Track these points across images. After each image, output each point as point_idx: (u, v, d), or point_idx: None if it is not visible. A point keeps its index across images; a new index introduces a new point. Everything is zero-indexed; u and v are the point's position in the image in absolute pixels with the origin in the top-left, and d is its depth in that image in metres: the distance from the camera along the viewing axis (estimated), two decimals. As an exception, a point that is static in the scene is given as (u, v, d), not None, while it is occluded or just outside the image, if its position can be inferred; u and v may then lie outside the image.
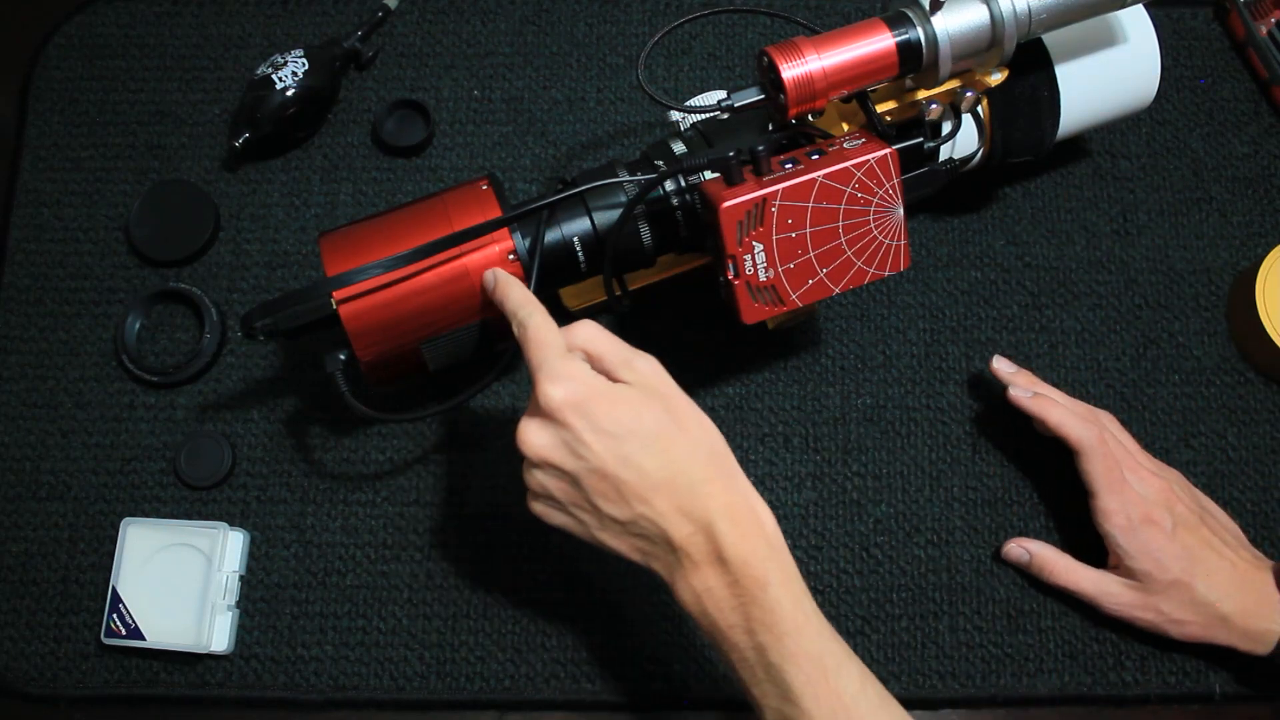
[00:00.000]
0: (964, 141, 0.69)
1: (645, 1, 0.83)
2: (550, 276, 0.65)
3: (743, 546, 0.53)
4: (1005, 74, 0.64)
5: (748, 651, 0.53)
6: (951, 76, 0.63)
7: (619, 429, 0.53)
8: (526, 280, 0.63)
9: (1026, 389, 0.70)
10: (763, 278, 0.60)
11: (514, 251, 0.63)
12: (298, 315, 0.61)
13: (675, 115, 0.70)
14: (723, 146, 0.64)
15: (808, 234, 0.60)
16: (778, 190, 0.58)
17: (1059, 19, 0.62)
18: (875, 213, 0.60)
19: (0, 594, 0.72)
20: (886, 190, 0.60)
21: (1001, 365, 0.72)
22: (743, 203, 0.58)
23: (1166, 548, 0.65)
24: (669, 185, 0.65)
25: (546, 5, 0.83)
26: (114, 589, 0.69)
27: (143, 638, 0.69)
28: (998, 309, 0.77)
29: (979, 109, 0.68)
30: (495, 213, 0.63)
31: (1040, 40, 0.68)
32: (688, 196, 0.65)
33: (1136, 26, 0.69)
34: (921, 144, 0.65)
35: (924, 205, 0.78)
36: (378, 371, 0.64)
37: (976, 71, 0.64)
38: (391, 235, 0.63)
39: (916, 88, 0.64)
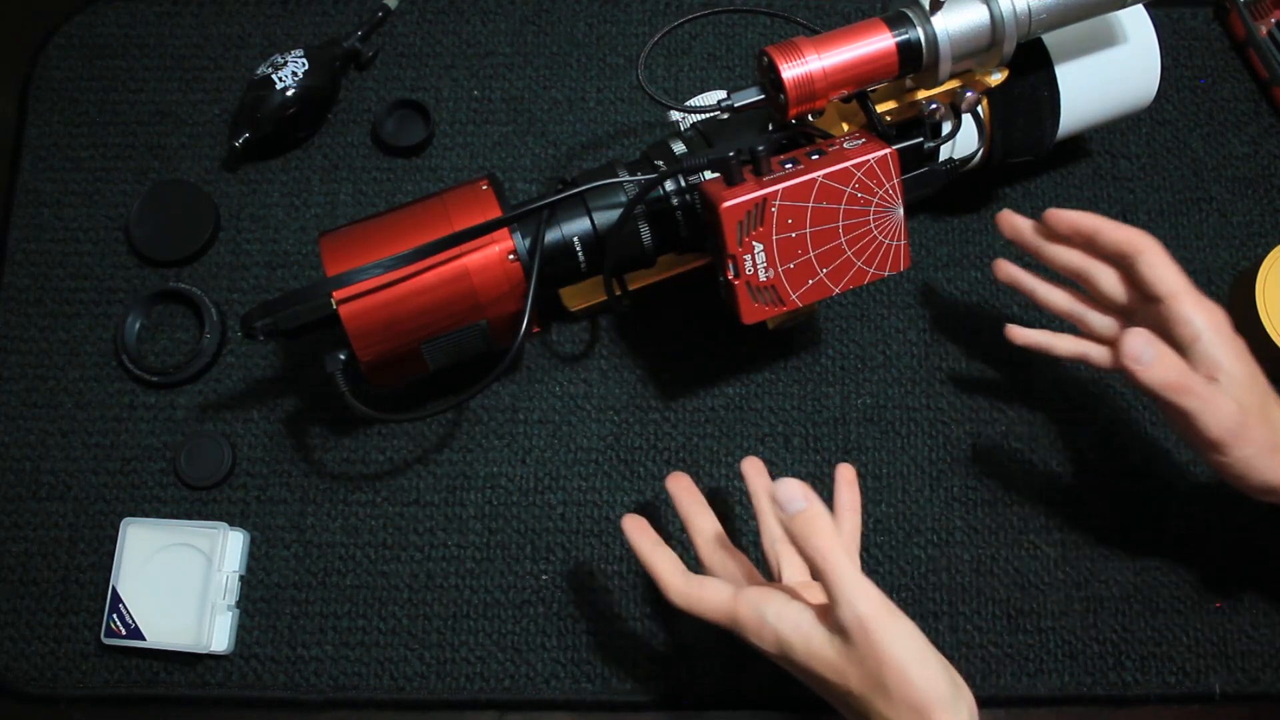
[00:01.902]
0: (964, 141, 0.69)
1: (645, 1, 0.83)
2: (550, 276, 0.65)
3: None
4: (1005, 74, 0.64)
5: None
6: (951, 76, 0.63)
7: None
8: (526, 280, 0.63)
9: (1030, 330, 0.65)
10: (763, 278, 0.60)
11: (514, 252, 0.63)
12: (298, 315, 0.61)
13: (675, 115, 0.70)
14: (723, 146, 0.64)
15: (808, 234, 0.60)
16: (778, 190, 0.58)
17: (1059, 19, 0.62)
18: (875, 213, 0.60)
19: (0, 594, 0.72)
20: (886, 190, 0.60)
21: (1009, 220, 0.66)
22: (743, 203, 0.58)
23: (1254, 366, 0.60)
24: (669, 185, 0.65)
25: (546, 5, 0.83)
26: (114, 589, 0.69)
27: (143, 638, 0.69)
28: (998, 309, 0.77)
29: (979, 109, 0.68)
30: (495, 213, 0.63)
31: (1040, 40, 0.68)
32: (688, 196, 0.65)
33: (1136, 26, 0.69)
34: (921, 144, 0.65)
35: (924, 205, 0.78)
36: (378, 371, 0.64)
37: (976, 71, 0.64)
38: (391, 235, 0.63)
39: (916, 88, 0.64)
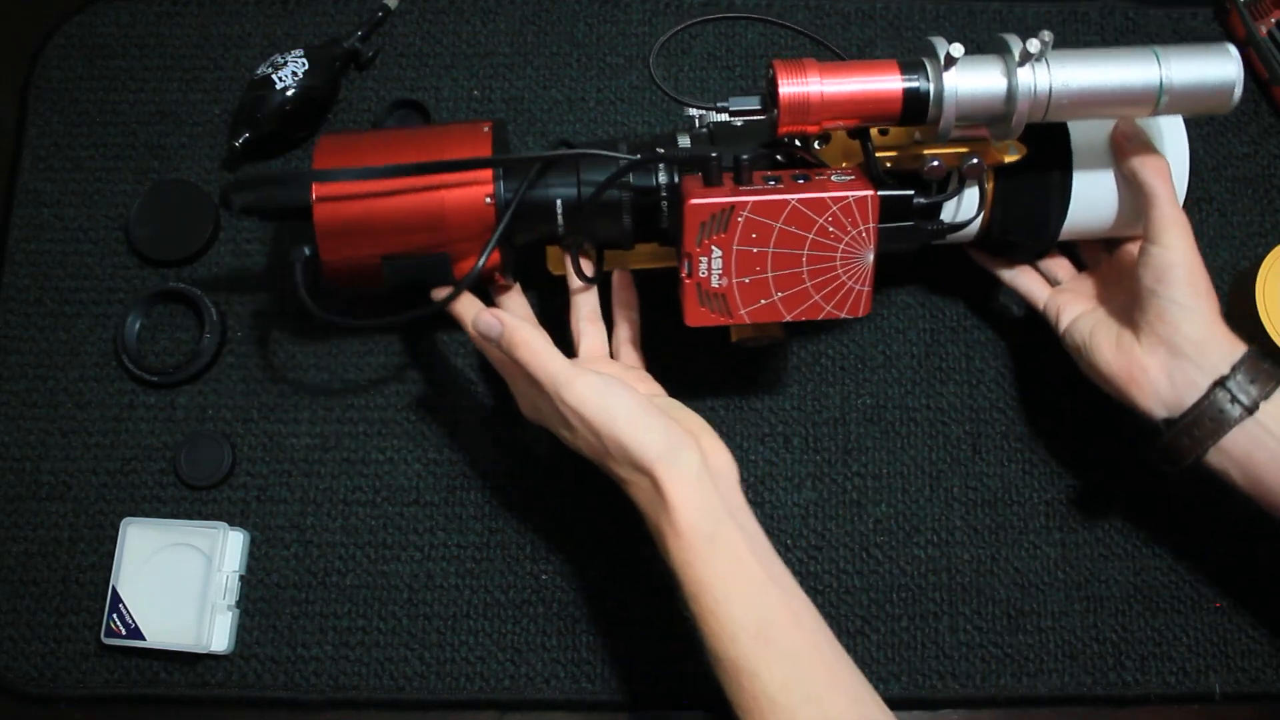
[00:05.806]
0: (963, 209, 0.66)
1: (645, 2, 0.83)
2: (526, 233, 0.66)
3: None
4: (1021, 154, 0.62)
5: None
6: (962, 141, 0.62)
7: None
8: (496, 225, 0.64)
9: None
10: (715, 284, 0.60)
11: (492, 195, 0.63)
12: (275, 198, 0.63)
13: (691, 111, 0.69)
14: (712, 148, 0.64)
15: (769, 254, 0.59)
16: (749, 202, 0.58)
17: (1080, 110, 0.59)
18: (844, 251, 0.59)
19: (0, 594, 0.72)
20: (860, 232, 0.59)
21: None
22: (710, 204, 0.58)
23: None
24: (662, 177, 0.65)
25: (546, 5, 0.83)
26: (114, 589, 0.69)
27: (143, 638, 0.69)
28: (998, 309, 0.77)
29: (983, 182, 0.66)
30: (486, 153, 0.64)
31: (1066, 131, 0.65)
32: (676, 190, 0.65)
33: (1173, 140, 0.66)
34: (910, 197, 0.64)
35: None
36: (337, 273, 0.66)
37: (992, 144, 0.62)
38: (385, 149, 0.65)
39: (924, 141, 0.63)
